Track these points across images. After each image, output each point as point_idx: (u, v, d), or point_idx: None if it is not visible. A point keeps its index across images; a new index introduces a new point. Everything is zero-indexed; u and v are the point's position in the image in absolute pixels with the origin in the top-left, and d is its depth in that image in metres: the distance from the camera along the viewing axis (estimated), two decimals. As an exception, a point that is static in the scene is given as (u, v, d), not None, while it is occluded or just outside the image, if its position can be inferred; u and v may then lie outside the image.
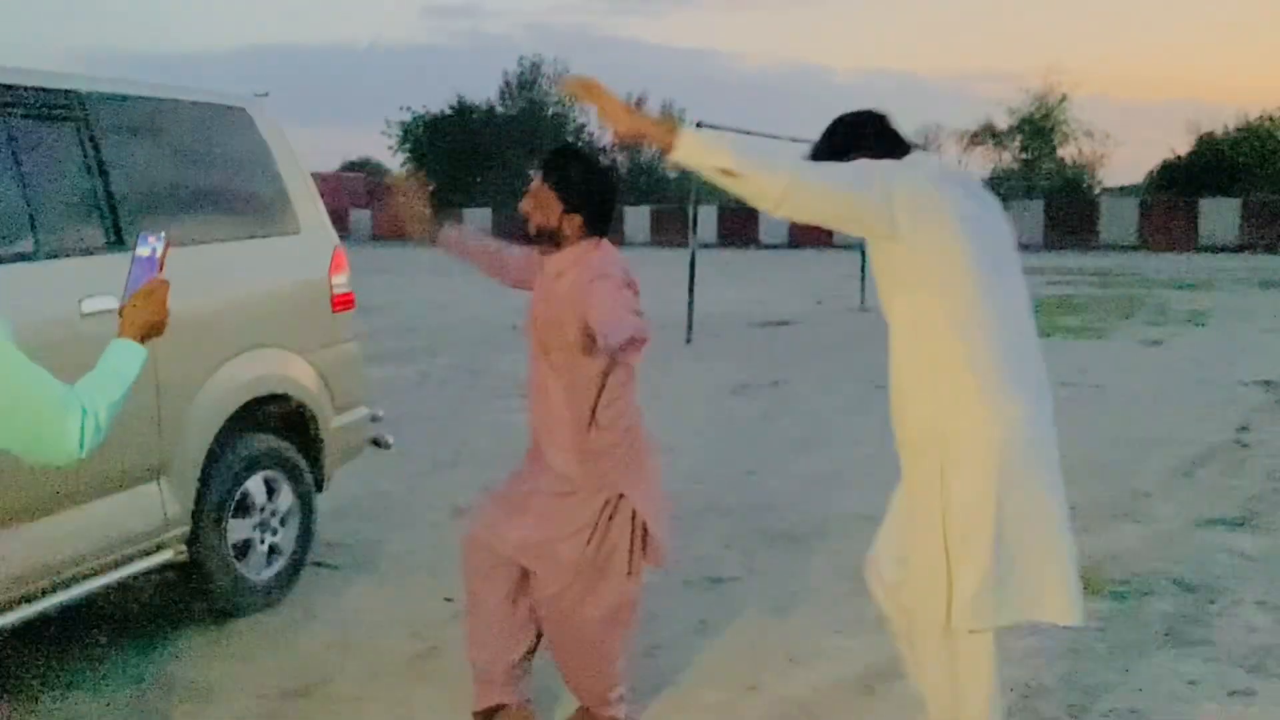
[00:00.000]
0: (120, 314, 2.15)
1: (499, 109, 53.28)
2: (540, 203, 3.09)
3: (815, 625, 4.18)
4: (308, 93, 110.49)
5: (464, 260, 3.51)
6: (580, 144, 48.93)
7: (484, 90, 61.39)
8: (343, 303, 4.74)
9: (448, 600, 4.43)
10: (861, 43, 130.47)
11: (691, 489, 6.12)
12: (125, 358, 2.08)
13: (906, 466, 2.70)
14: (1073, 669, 3.79)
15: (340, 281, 4.73)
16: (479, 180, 50.54)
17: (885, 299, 2.66)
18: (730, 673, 3.79)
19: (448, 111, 52.44)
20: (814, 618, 4.26)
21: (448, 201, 50.82)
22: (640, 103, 55.98)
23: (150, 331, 2.15)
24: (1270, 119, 42.40)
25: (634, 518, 3.12)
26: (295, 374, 4.42)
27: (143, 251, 2.24)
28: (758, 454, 7.02)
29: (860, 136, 2.71)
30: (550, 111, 53.29)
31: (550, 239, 3.12)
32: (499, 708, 3.24)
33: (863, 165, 2.56)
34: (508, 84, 53.70)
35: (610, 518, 3.09)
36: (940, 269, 2.52)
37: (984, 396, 2.53)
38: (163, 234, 2.27)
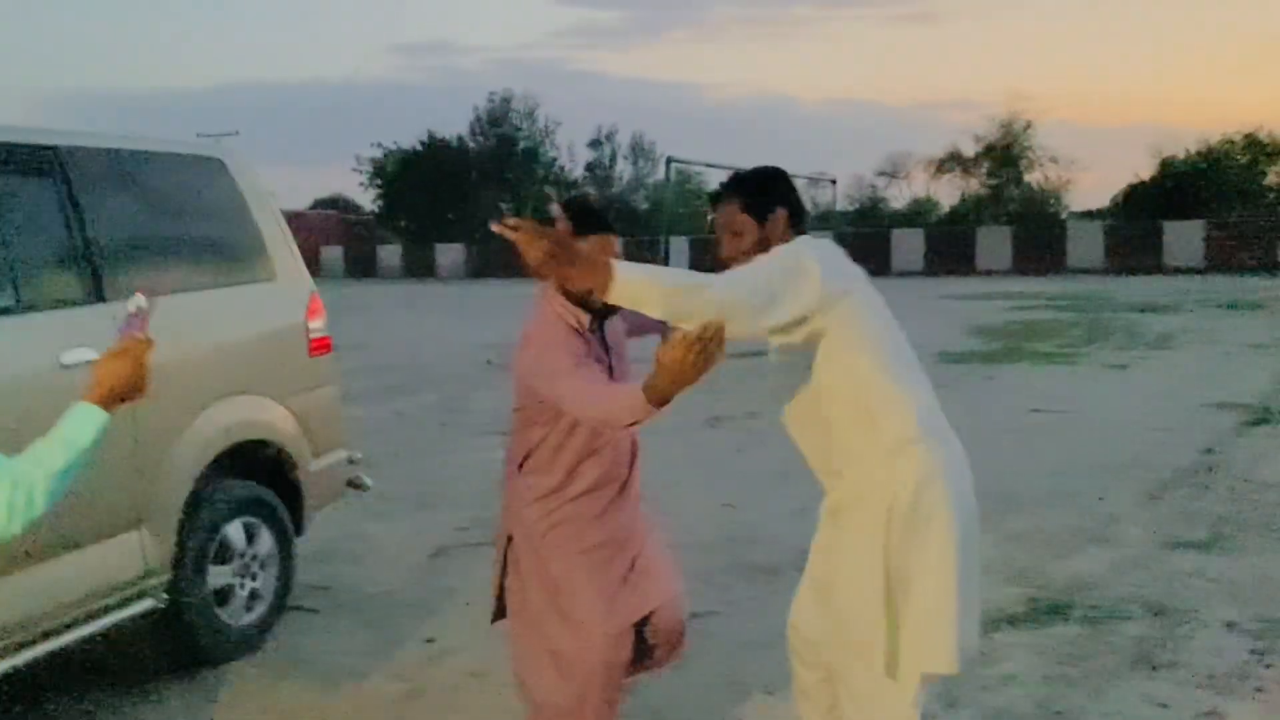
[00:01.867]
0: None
1: (470, 144, 53.52)
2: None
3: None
4: (279, 130, 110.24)
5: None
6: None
7: (456, 126, 61.76)
8: (319, 347, 4.80)
9: (429, 641, 4.47)
10: (827, 73, 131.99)
11: (667, 523, 6.17)
12: (80, 423, 1.99)
13: (839, 523, 2.72)
14: (1047, 695, 3.85)
15: (317, 326, 4.79)
16: (451, 216, 50.66)
17: (806, 377, 2.66)
18: (709, 706, 3.84)
19: (419, 148, 52.61)
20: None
21: (421, 237, 50.93)
22: (611, 136, 56.28)
23: (124, 391, 2.06)
24: (1230, 142, 43.17)
25: None
26: (273, 419, 4.46)
27: (130, 308, 2.21)
28: (735, 487, 7.08)
29: (790, 193, 2.84)
30: (522, 146, 53.60)
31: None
32: None
33: (774, 262, 2.60)
34: (479, 119, 53.99)
35: None
36: (866, 328, 2.64)
37: (925, 435, 2.63)
38: (151, 293, 2.23)
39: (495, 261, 46.53)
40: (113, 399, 2.06)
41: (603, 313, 2.96)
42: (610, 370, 2.99)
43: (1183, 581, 5.01)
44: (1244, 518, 6.06)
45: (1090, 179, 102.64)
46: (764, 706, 3.82)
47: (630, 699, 3.80)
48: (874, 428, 2.62)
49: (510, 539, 3.12)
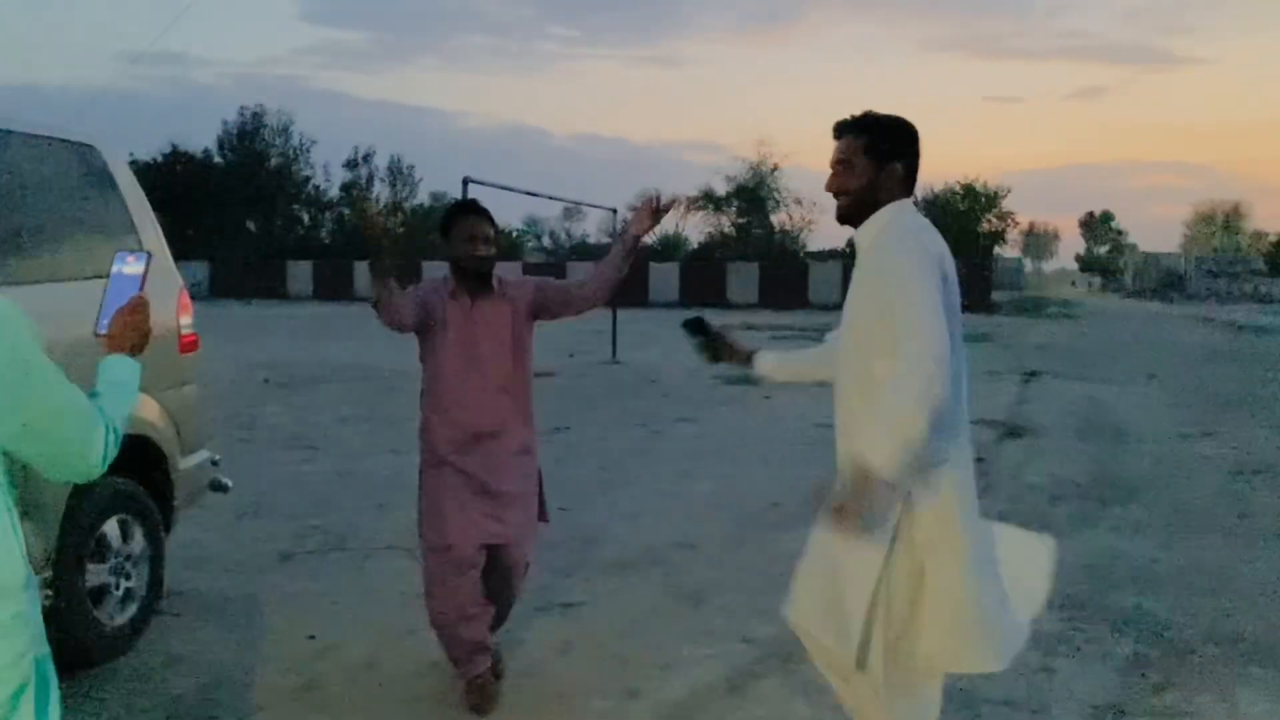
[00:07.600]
0: (101, 335, 2.08)
1: (218, 158, 51.12)
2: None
3: (670, 638, 4.51)
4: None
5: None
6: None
7: (194, 139, 58.75)
8: (189, 343, 4.69)
9: (311, 638, 4.45)
10: (575, 108, 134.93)
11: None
12: (125, 370, 2.05)
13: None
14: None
15: (186, 322, 4.69)
16: (192, 232, 48.17)
17: None
18: (609, 683, 4.05)
19: (159, 159, 49.78)
20: (666, 632, 4.59)
21: (160, 253, 48.12)
22: (368, 157, 55.20)
23: (137, 349, 2.09)
24: (953, 191, 47.29)
25: None
26: (149, 415, 4.34)
27: (125, 269, 2.21)
28: (565, 493, 7.25)
29: (914, 154, 2.76)
30: (273, 163, 51.70)
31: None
32: None
33: (930, 290, 2.51)
34: (227, 133, 51.67)
35: None
36: None
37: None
38: (144, 253, 2.25)
39: (243, 281, 44.60)
40: (136, 352, 2.10)
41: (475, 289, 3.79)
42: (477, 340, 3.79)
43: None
44: (1023, 514, 6.84)
45: (827, 221, 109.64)
46: (660, 679, 4.07)
47: (532, 683, 3.99)
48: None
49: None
